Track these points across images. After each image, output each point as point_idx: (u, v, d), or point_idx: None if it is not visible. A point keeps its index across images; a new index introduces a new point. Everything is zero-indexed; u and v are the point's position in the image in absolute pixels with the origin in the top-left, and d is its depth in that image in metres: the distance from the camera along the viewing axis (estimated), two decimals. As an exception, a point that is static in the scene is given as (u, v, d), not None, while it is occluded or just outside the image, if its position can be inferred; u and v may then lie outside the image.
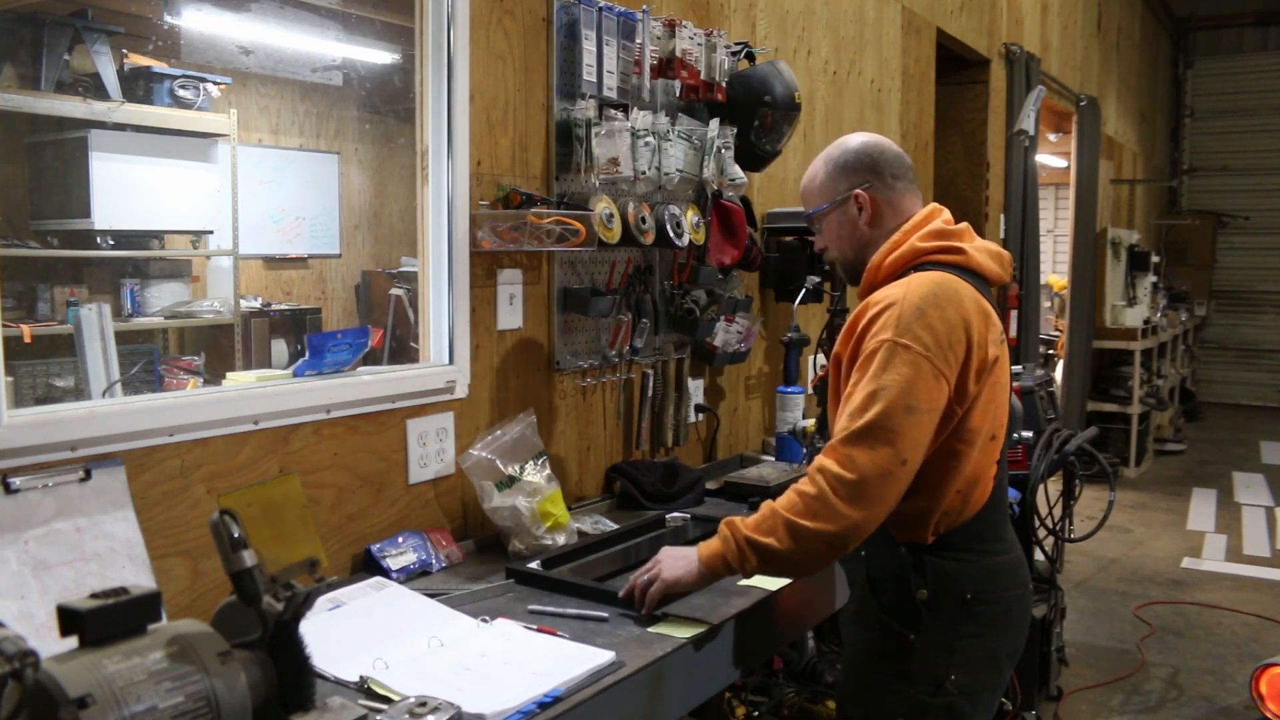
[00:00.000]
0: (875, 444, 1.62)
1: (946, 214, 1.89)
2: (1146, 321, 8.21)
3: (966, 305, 1.72)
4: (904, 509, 1.72)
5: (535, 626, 1.76)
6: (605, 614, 1.82)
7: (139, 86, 4.54)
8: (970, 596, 1.76)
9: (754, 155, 2.97)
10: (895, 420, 1.62)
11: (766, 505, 1.72)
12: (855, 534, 1.64)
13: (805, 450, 2.80)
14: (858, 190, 1.87)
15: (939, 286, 1.72)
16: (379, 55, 5.15)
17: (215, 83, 4.78)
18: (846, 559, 1.85)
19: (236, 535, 1.17)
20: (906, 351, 1.65)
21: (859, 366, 1.70)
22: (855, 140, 1.92)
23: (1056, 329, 7.67)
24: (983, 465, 1.78)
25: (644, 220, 2.61)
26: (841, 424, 1.67)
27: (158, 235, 4.82)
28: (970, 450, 1.74)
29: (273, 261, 5.84)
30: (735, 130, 2.88)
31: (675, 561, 1.80)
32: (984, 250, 1.85)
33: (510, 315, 2.42)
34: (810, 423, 2.60)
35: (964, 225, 1.88)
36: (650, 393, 2.82)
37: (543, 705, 1.47)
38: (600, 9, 2.54)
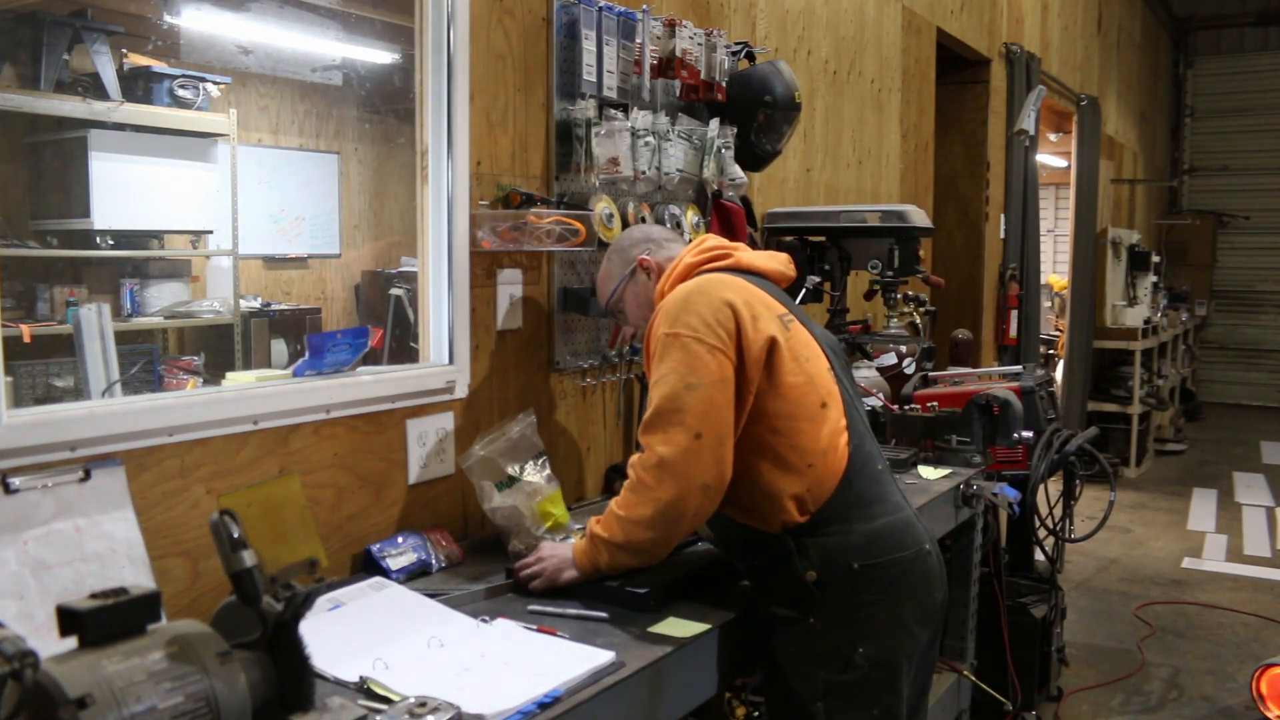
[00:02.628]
0: (666, 425, 1.76)
1: (712, 239, 2.05)
2: (1147, 321, 8.21)
3: (728, 291, 1.84)
4: (757, 495, 1.83)
5: (535, 626, 1.75)
6: (605, 614, 1.82)
7: (138, 86, 4.54)
8: (858, 566, 1.82)
9: (754, 155, 2.97)
10: (678, 400, 1.75)
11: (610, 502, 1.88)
12: (674, 512, 1.76)
13: None
14: (641, 257, 2.08)
15: (703, 281, 1.89)
16: (379, 55, 5.15)
17: (215, 82, 4.78)
18: (737, 561, 1.98)
19: (236, 535, 1.16)
20: (676, 339, 1.79)
21: (651, 368, 1.85)
22: (625, 233, 2.20)
23: (1057, 329, 7.67)
24: (825, 434, 1.84)
25: (644, 220, 2.61)
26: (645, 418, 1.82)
27: (157, 235, 4.82)
28: (796, 422, 1.83)
29: (272, 261, 5.84)
30: (735, 130, 2.87)
31: (559, 565, 1.90)
32: (757, 254, 2.03)
33: (510, 315, 2.42)
34: None
35: (737, 244, 2.05)
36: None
37: (543, 705, 1.46)
38: (600, 9, 2.54)
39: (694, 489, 1.75)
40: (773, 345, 1.81)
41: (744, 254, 1.99)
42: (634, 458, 1.82)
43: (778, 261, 2.04)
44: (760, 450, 1.82)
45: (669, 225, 2.65)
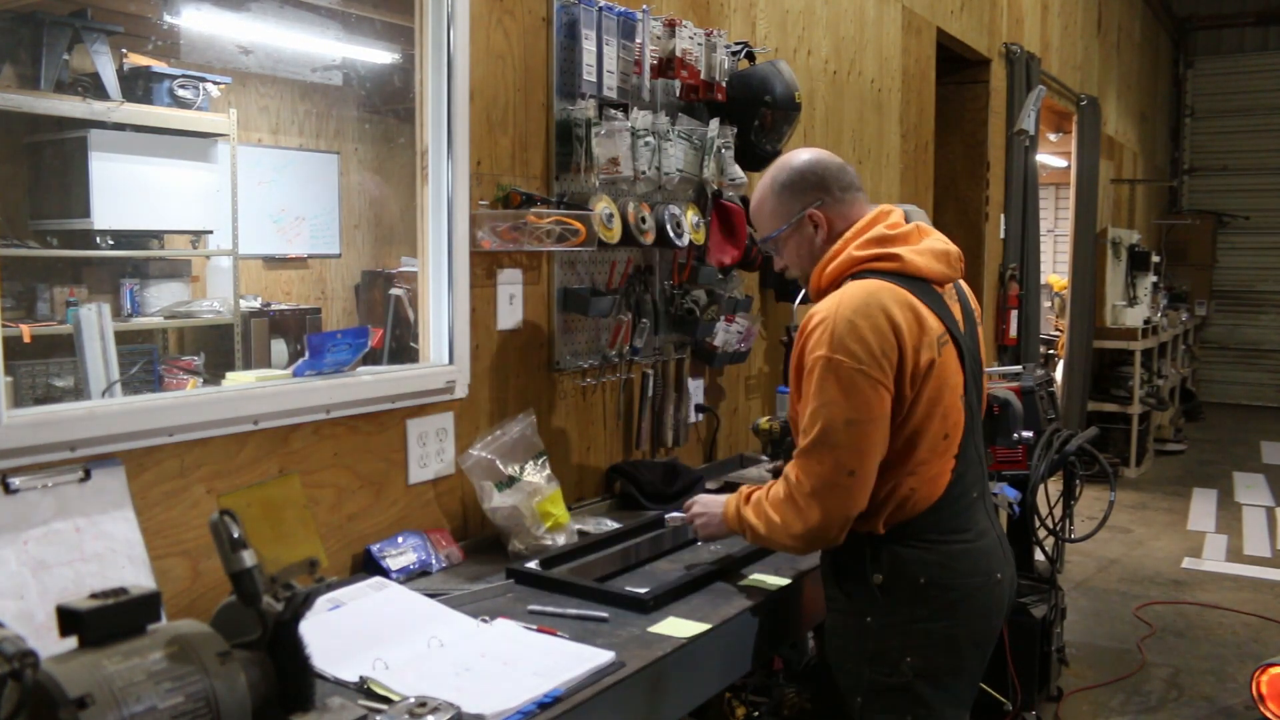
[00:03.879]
0: (822, 458, 1.76)
1: (893, 216, 1.91)
2: (1147, 321, 8.20)
3: (895, 313, 1.76)
4: None
5: (535, 626, 1.75)
6: (605, 614, 1.82)
7: (138, 86, 4.54)
8: (924, 581, 1.83)
9: (754, 155, 2.97)
10: (835, 435, 1.74)
11: (766, 488, 1.91)
12: (818, 533, 1.80)
13: (766, 448, 2.81)
14: (811, 210, 1.91)
15: (869, 296, 1.77)
16: (379, 55, 5.15)
17: (215, 82, 4.77)
18: (823, 552, 1.98)
19: (236, 535, 1.17)
20: (840, 367, 1.74)
21: (805, 381, 1.80)
22: (799, 159, 1.96)
23: (1057, 329, 7.67)
24: (934, 465, 1.83)
25: (644, 220, 2.61)
26: (799, 437, 1.81)
27: (157, 235, 4.81)
28: (917, 452, 1.81)
29: (272, 261, 5.83)
30: (735, 130, 2.88)
31: (708, 518, 2.07)
32: (928, 252, 1.87)
33: (510, 315, 2.42)
34: (766, 420, 2.61)
35: (911, 227, 1.90)
36: (650, 393, 2.82)
37: (543, 705, 1.46)
38: (600, 9, 2.54)
39: (839, 519, 1.78)
40: (923, 382, 1.78)
41: (911, 254, 1.84)
42: (792, 469, 1.81)
43: (945, 262, 1.89)
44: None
45: (669, 225, 2.65)
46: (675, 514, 2.19)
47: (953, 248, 1.93)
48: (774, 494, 1.86)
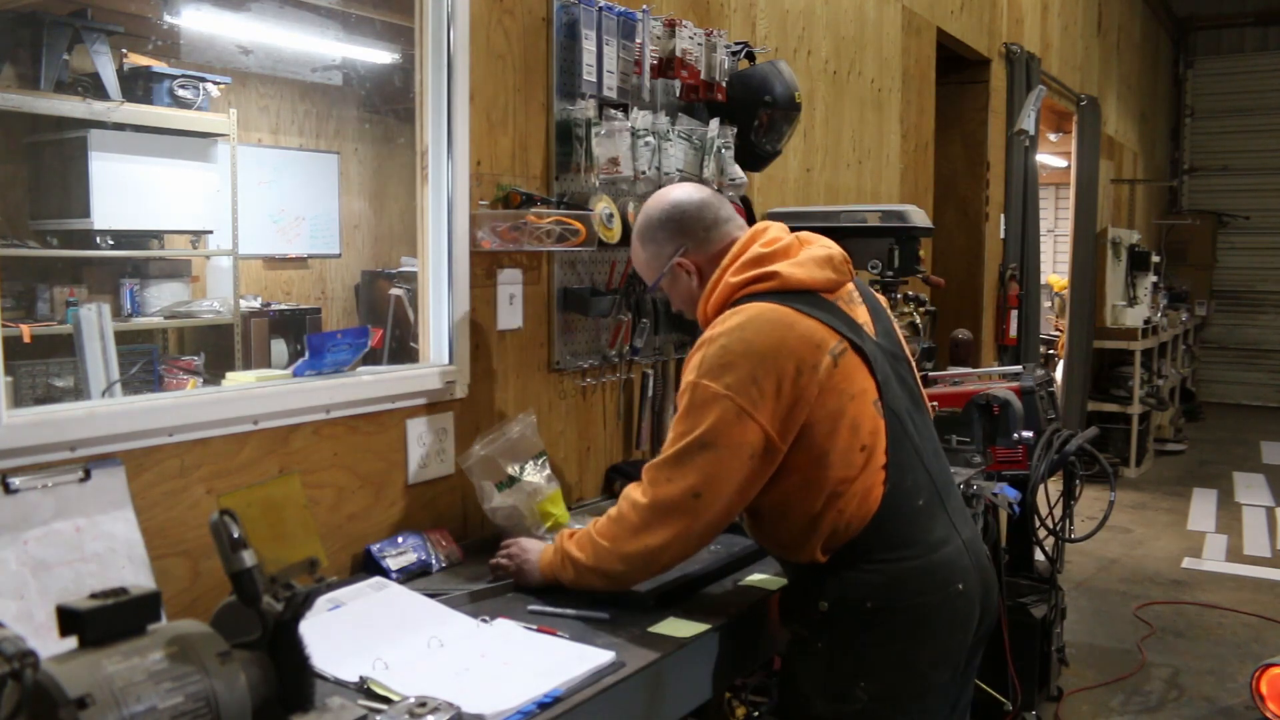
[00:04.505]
0: (670, 475, 1.71)
1: (770, 233, 1.86)
2: (1147, 321, 8.21)
3: (775, 332, 1.71)
4: (782, 532, 1.81)
5: (535, 626, 1.75)
6: (605, 614, 1.82)
7: (138, 86, 4.54)
8: (871, 605, 1.74)
9: (754, 155, 2.97)
10: (690, 456, 1.69)
11: (590, 522, 1.84)
12: (652, 556, 1.74)
13: None
14: (676, 260, 1.90)
15: (747, 322, 1.73)
16: (379, 55, 5.15)
17: (215, 82, 4.78)
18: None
19: (236, 535, 1.16)
20: (705, 391, 1.70)
21: (677, 402, 1.78)
22: (655, 207, 1.93)
23: (1057, 329, 7.67)
24: (859, 481, 1.74)
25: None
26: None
27: (157, 235, 4.82)
28: (829, 471, 1.72)
29: (272, 261, 5.84)
30: (735, 130, 2.87)
31: (524, 565, 1.94)
32: (809, 261, 1.80)
33: (510, 315, 2.42)
34: None
35: (791, 238, 1.85)
36: (650, 393, 2.82)
37: (543, 705, 1.46)
38: (600, 9, 2.54)
39: (677, 541, 1.73)
40: (816, 401, 1.69)
41: (790, 268, 1.78)
42: (630, 488, 1.78)
43: (829, 268, 1.82)
44: (788, 495, 1.76)
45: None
46: (494, 559, 2.01)
47: (836, 250, 1.85)
48: (601, 520, 1.80)
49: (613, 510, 1.79)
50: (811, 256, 1.82)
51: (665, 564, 1.78)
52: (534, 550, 1.94)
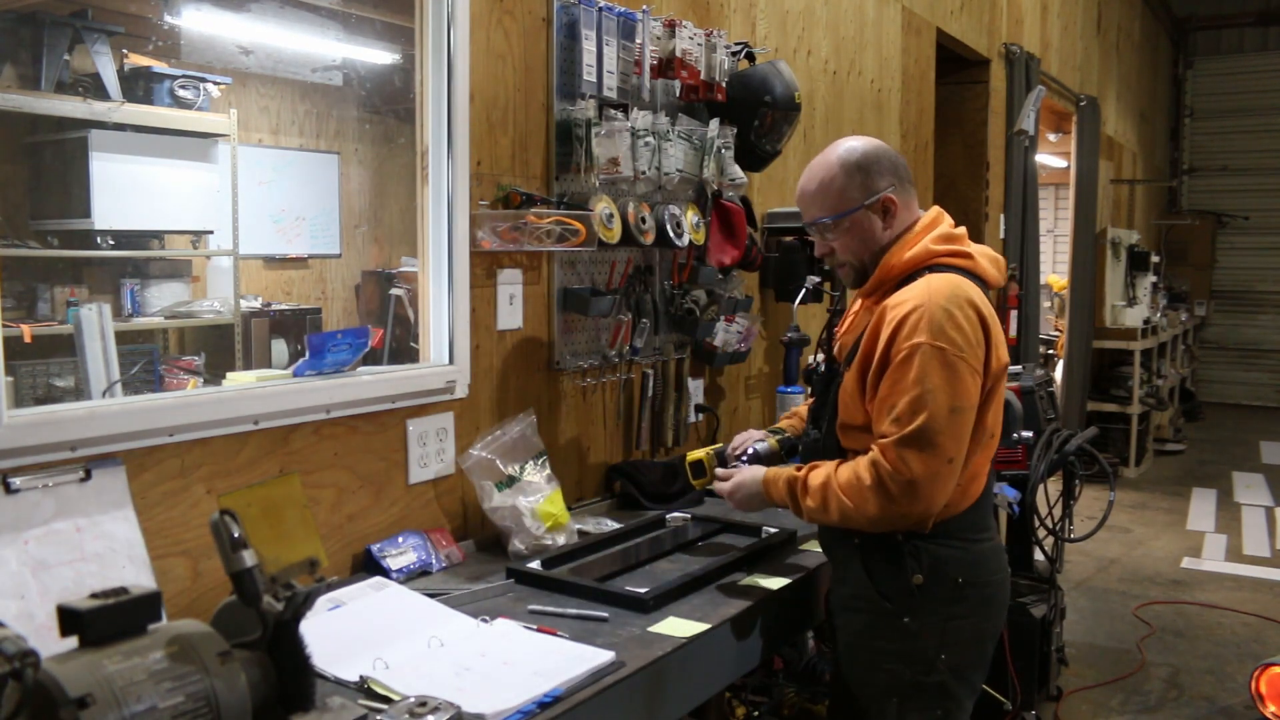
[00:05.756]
0: (925, 446, 1.72)
1: (949, 218, 1.96)
2: (1146, 321, 8.20)
3: (982, 308, 1.81)
4: None
5: (535, 626, 1.76)
6: (605, 614, 1.82)
7: (139, 86, 4.54)
8: (961, 580, 1.86)
9: (754, 155, 2.97)
10: (941, 422, 1.72)
11: (823, 473, 1.85)
12: (901, 523, 1.79)
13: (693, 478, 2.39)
14: (887, 194, 1.89)
15: (958, 288, 1.79)
16: (379, 55, 5.15)
17: (215, 83, 4.78)
18: (838, 546, 1.97)
19: (236, 535, 1.17)
20: (943, 354, 1.73)
21: (894, 370, 1.76)
22: (861, 143, 1.95)
23: (1056, 329, 7.67)
24: (981, 462, 1.88)
25: (644, 220, 2.61)
26: (886, 427, 1.75)
27: (158, 235, 4.82)
28: (977, 447, 1.83)
29: (273, 261, 5.84)
30: (735, 130, 2.88)
31: (750, 498, 2.02)
32: (985, 255, 1.93)
33: (510, 315, 2.42)
34: (772, 440, 2.23)
35: (963, 230, 1.95)
36: (650, 393, 2.82)
37: (543, 705, 1.47)
38: (600, 9, 2.54)
39: (933, 509, 1.78)
40: (1000, 372, 1.82)
41: (979, 255, 1.89)
42: (882, 457, 1.75)
43: (998, 268, 1.94)
44: None
45: (669, 225, 2.65)
46: (720, 483, 2.09)
47: (1000, 256, 1.97)
48: (849, 479, 1.79)
49: (861, 472, 1.77)
50: (985, 252, 1.92)
51: (919, 525, 1.80)
52: (750, 480, 2.00)
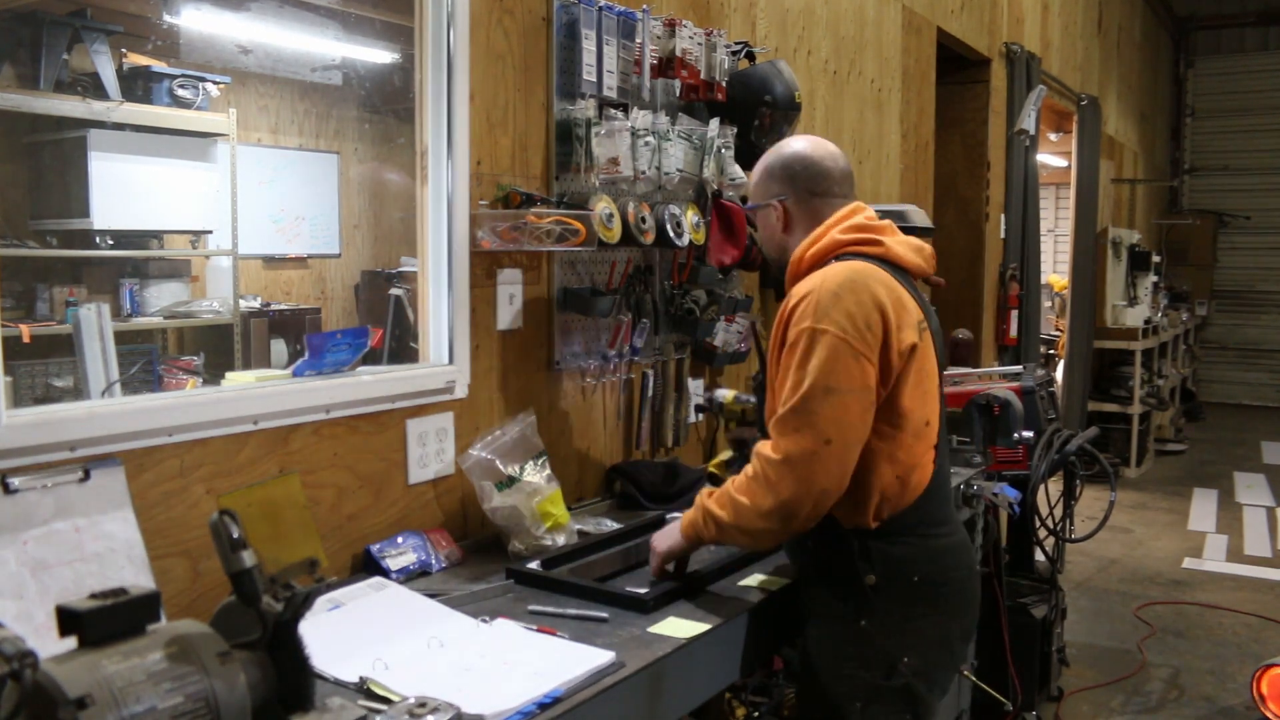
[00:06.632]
0: (799, 426, 1.73)
1: (869, 211, 1.96)
2: (1147, 321, 8.20)
3: (879, 291, 1.79)
4: (846, 492, 1.81)
5: (535, 627, 1.75)
6: (605, 614, 1.82)
7: (138, 86, 4.54)
8: (918, 579, 1.84)
9: (754, 155, 2.94)
10: (815, 403, 1.72)
11: (726, 484, 1.86)
12: (790, 510, 1.74)
13: (721, 423, 2.72)
14: (773, 201, 2.00)
15: (854, 273, 1.81)
16: (379, 55, 5.15)
17: (214, 82, 4.78)
18: (795, 549, 1.96)
19: (236, 535, 1.16)
20: (824, 335, 1.74)
21: (784, 355, 1.80)
22: (790, 147, 2.03)
23: (1057, 329, 7.67)
24: (919, 451, 1.86)
25: (644, 220, 2.61)
26: (777, 411, 1.77)
27: (157, 235, 4.82)
28: (902, 435, 1.82)
29: (272, 261, 5.84)
30: (735, 130, 2.87)
31: (663, 536, 1.97)
32: (904, 244, 1.92)
33: (510, 315, 2.42)
34: (729, 394, 2.56)
35: (886, 223, 1.95)
36: (650, 393, 2.81)
37: (543, 705, 1.46)
38: (600, 9, 2.54)
39: (813, 493, 1.74)
40: (907, 360, 1.79)
41: (893, 243, 1.90)
42: (760, 445, 1.79)
43: (921, 256, 1.95)
44: (865, 451, 1.80)
45: (669, 225, 2.65)
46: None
47: (925, 245, 1.98)
48: (739, 478, 1.82)
49: (747, 468, 1.80)
50: (906, 240, 1.93)
51: (804, 519, 1.77)
52: (665, 530, 1.97)
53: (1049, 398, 3.52)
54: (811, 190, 1.97)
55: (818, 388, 1.72)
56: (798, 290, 1.82)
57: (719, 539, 1.87)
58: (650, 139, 2.58)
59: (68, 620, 1.05)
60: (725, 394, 2.60)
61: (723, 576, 2.07)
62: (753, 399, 2.49)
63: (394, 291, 5.05)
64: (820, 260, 1.88)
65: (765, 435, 1.85)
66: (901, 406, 1.80)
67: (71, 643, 1.06)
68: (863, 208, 1.96)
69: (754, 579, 2.07)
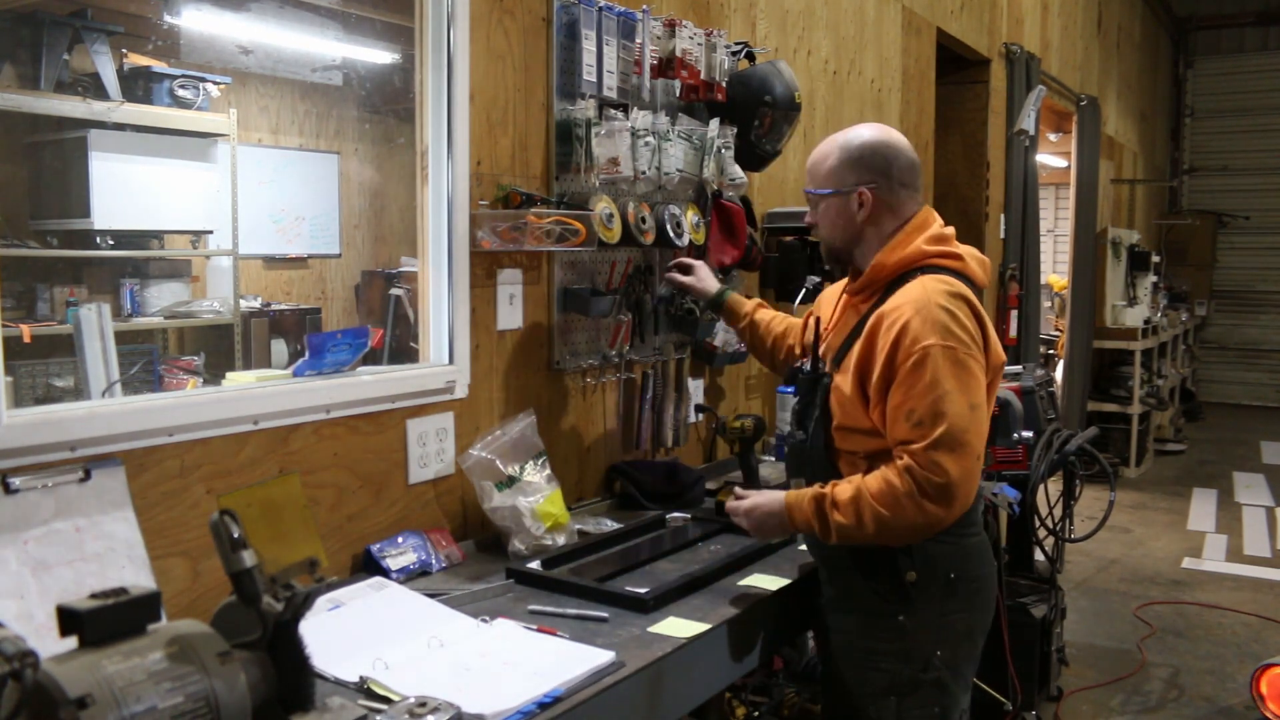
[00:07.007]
0: (956, 447, 1.72)
1: (939, 217, 1.98)
2: (1147, 321, 8.20)
3: (978, 308, 1.84)
4: None
5: (535, 626, 1.75)
6: (605, 614, 1.82)
7: (138, 86, 4.54)
8: (954, 576, 1.88)
9: (754, 155, 2.97)
10: (965, 421, 1.73)
11: (850, 487, 1.79)
12: (938, 529, 1.77)
13: (733, 447, 2.57)
14: (862, 188, 1.93)
15: (954, 288, 1.82)
16: (379, 55, 5.15)
17: (215, 82, 4.78)
18: (827, 546, 1.93)
19: (236, 535, 1.16)
20: (953, 353, 1.74)
21: (906, 376, 1.75)
22: (870, 133, 1.98)
23: (1057, 329, 7.67)
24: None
25: (644, 220, 2.61)
26: (908, 433, 1.74)
27: (157, 235, 4.82)
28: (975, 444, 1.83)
29: (272, 261, 5.84)
30: (735, 130, 2.87)
31: (768, 515, 1.90)
32: (973, 257, 1.95)
33: (510, 315, 2.42)
34: (736, 419, 2.44)
35: (952, 230, 1.97)
36: (650, 393, 2.82)
37: (543, 705, 1.46)
38: (600, 9, 2.54)
39: (966, 506, 1.77)
40: (996, 369, 1.86)
41: (968, 257, 1.92)
42: (914, 463, 1.72)
43: (985, 270, 1.97)
44: None
45: (669, 225, 2.65)
46: (735, 502, 2.00)
47: (986, 258, 2.00)
48: (882, 489, 1.74)
49: (894, 480, 1.73)
50: (974, 254, 1.95)
51: (946, 525, 1.78)
52: (770, 502, 1.90)
53: (1048, 398, 3.52)
54: (902, 182, 1.95)
55: (963, 406, 1.73)
56: (895, 307, 1.80)
57: (834, 538, 1.83)
58: (650, 139, 2.58)
59: (68, 620, 1.05)
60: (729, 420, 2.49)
61: (723, 577, 2.07)
62: (751, 417, 2.45)
63: (394, 291, 5.05)
64: (904, 269, 1.88)
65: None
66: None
67: (72, 642, 1.06)
68: (934, 215, 1.97)
69: (754, 579, 2.07)
